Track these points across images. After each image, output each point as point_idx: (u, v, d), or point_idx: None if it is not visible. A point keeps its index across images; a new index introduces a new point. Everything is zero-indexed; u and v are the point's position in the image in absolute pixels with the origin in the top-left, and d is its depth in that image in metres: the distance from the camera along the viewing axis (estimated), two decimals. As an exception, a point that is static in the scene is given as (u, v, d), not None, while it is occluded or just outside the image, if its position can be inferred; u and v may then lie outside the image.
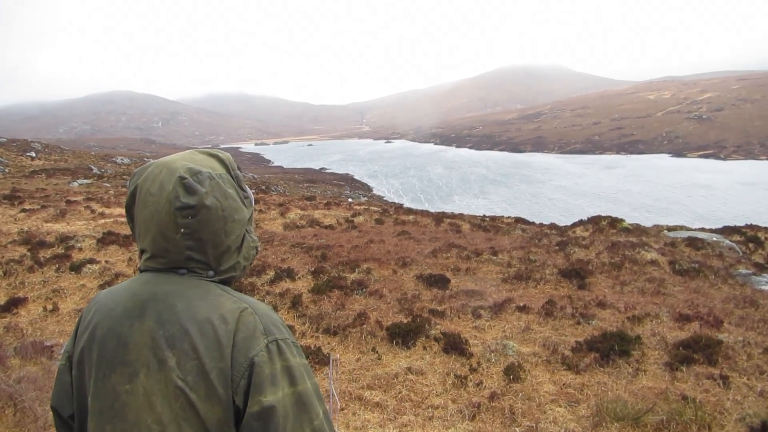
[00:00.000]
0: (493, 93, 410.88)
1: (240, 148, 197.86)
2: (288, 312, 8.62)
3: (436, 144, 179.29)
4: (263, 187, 48.08)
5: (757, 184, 66.38)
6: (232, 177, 1.51)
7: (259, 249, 1.62)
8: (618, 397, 5.46)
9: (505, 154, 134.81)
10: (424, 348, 6.97)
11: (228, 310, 1.36)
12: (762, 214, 43.25)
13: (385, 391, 5.92)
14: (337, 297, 9.04)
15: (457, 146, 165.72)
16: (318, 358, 6.64)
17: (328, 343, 7.33)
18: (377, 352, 6.91)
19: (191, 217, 1.38)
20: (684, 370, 6.12)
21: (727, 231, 16.84)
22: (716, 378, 5.84)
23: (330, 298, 8.98)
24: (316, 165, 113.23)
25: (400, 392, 5.87)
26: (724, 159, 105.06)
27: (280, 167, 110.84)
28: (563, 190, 68.51)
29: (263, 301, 9.03)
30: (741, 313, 8.40)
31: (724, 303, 8.94)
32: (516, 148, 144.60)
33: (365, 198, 55.23)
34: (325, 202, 25.89)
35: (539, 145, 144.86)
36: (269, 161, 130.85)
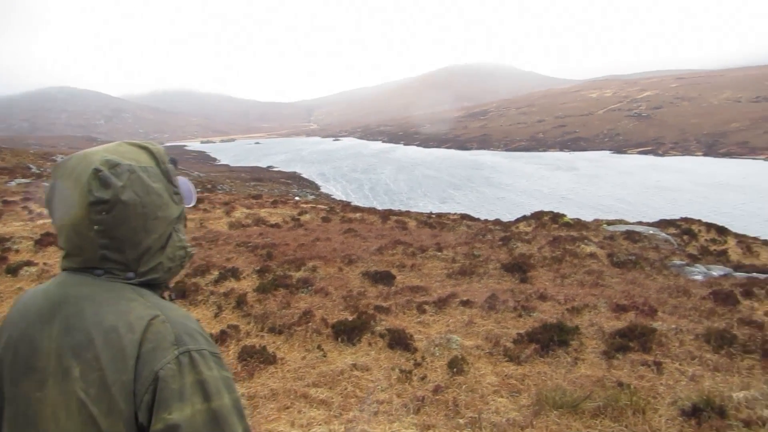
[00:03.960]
0: (441, 91, 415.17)
1: (186, 146, 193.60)
2: (233, 312, 8.49)
3: (384, 142, 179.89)
4: (209, 186, 47.18)
5: (708, 184, 69.17)
6: (162, 171, 1.41)
7: (189, 250, 1.50)
8: (557, 385, 5.61)
9: (452, 151, 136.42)
10: (370, 344, 6.99)
11: (137, 317, 1.26)
12: (705, 210, 45.29)
13: (330, 388, 5.91)
14: (282, 296, 8.97)
15: (404, 144, 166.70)
16: (263, 358, 6.57)
17: (273, 342, 7.26)
18: (323, 349, 6.89)
19: (105, 212, 1.28)
20: (620, 357, 6.34)
21: (663, 224, 17.54)
22: (650, 364, 6.06)
23: (275, 297, 8.90)
24: (263, 163, 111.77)
25: (345, 389, 5.86)
26: (662, 155, 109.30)
27: (227, 165, 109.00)
28: (510, 187, 69.89)
29: (207, 301, 8.88)
30: (674, 302, 8.76)
31: (658, 293, 9.30)
32: (463, 145, 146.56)
33: (313, 196, 54.91)
34: (271, 200, 25.61)
35: (485, 142, 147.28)
36: (215, 159, 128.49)
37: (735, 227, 21.21)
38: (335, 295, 9.13)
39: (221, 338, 7.18)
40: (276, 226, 17.45)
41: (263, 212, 20.22)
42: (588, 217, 23.02)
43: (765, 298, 8.79)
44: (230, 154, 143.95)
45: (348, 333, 7.12)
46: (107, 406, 1.19)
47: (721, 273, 10.86)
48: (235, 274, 10.22)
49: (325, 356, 6.75)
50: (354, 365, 6.37)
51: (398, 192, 69.41)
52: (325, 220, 18.95)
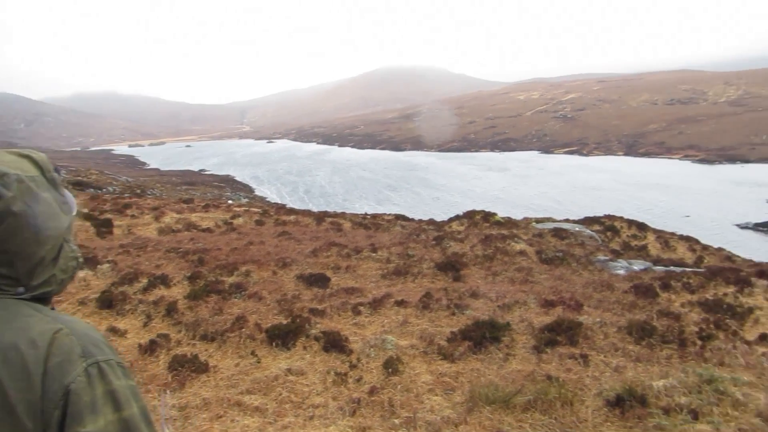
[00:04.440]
0: (374, 93, 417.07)
1: (113, 150, 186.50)
2: (163, 320, 8.21)
3: (318, 144, 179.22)
4: (138, 191, 45.55)
5: (629, 183, 72.27)
6: (48, 180, 1.35)
7: (81, 261, 1.45)
8: (490, 381, 5.73)
9: (387, 152, 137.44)
10: (305, 348, 6.93)
11: (39, 332, 1.21)
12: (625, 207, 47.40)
13: (265, 395, 5.81)
14: (214, 302, 8.75)
15: (339, 146, 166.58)
16: (195, 366, 6.39)
17: (206, 350, 7.08)
18: (256, 355, 6.77)
19: None
20: (549, 351, 6.54)
21: (588, 221, 18.26)
22: (577, 357, 6.29)
23: (207, 304, 8.68)
24: (195, 167, 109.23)
25: (280, 394, 5.78)
26: (587, 155, 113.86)
27: (156, 170, 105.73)
28: (444, 188, 71.01)
29: (135, 311, 8.56)
30: (599, 296, 9.13)
31: (584, 288, 9.66)
32: (397, 146, 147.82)
33: (246, 199, 54.00)
34: (203, 204, 24.99)
35: (418, 143, 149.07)
36: (144, 163, 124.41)
37: (654, 223, 22.36)
38: (269, 299, 9.00)
39: (151, 348, 6.93)
40: (208, 230, 17.05)
41: (194, 217, 19.70)
42: (518, 215, 23.67)
43: (681, 291, 9.29)
44: (160, 157, 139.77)
45: (282, 337, 7.03)
46: (11, 429, 1.13)
47: (642, 267, 11.41)
48: (164, 281, 9.90)
49: (259, 362, 6.63)
50: (289, 370, 6.30)
51: (334, 194, 69.30)
52: (259, 223, 18.67)
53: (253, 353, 6.81)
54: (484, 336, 6.74)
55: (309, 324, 7.43)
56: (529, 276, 10.32)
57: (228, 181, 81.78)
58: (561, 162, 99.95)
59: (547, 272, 10.79)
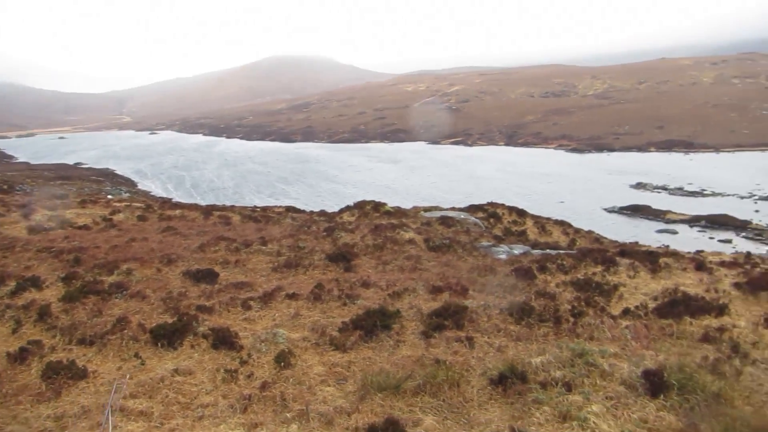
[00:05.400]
0: (262, 83, 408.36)
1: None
2: (34, 325, 7.62)
3: (205, 135, 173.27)
4: (5, 187, 41.72)
5: (510, 171, 75.75)
6: None
7: None
8: (381, 369, 5.85)
9: (277, 144, 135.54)
10: (192, 346, 6.72)
11: None
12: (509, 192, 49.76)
13: (150, 398, 5.58)
14: (93, 303, 8.26)
15: (227, 137, 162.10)
16: (72, 373, 6.00)
17: (84, 355, 6.66)
18: (140, 357, 6.48)
19: None
20: (437, 336, 6.78)
21: (472, 209, 19.04)
22: (463, 340, 6.56)
23: (85, 306, 8.17)
24: (70, 160, 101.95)
25: (167, 396, 5.57)
26: (471, 145, 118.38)
27: (26, 163, 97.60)
28: (337, 179, 71.12)
29: (2, 317, 7.87)
30: (483, 280, 9.57)
31: (469, 273, 10.09)
32: (287, 137, 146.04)
33: (128, 194, 51.13)
34: (79, 200, 23.42)
35: (309, 134, 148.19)
36: (12, 157, 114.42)
37: (533, 209, 23.73)
38: (153, 297, 8.62)
39: (21, 356, 6.42)
40: (85, 227, 15.99)
41: (70, 213, 18.42)
42: (408, 205, 24.24)
43: (556, 272, 9.95)
44: (30, 150, 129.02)
45: (168, 337, 6.76)
46: None
47: (522, 251, 12.10)
48: (36, 283, 9.19)
49: (143, 364, 6.35)
50: (176, 370, 6.08)
51: (224, 188, 67.36)
52: (142, 218, 17.77)
53: (136, 355, 6.51)
54: (375, 324, 6.86)
55: (197, 321, 7.21)
56: (418, 264, 10.61)
57: (108, 175, 77.14)
58: (449, 152, 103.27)
59: (434, 259, 11.15)
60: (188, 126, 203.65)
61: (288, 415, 5.07)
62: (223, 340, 6.67)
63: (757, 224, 51.83)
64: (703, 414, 4.44)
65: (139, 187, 67.13)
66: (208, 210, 19.92)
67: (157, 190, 64.99)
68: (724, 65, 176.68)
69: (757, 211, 56.98)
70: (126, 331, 7.04)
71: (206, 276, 9.57)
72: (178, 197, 55.04)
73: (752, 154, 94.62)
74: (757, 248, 42.52)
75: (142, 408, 5.32)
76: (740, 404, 4.92)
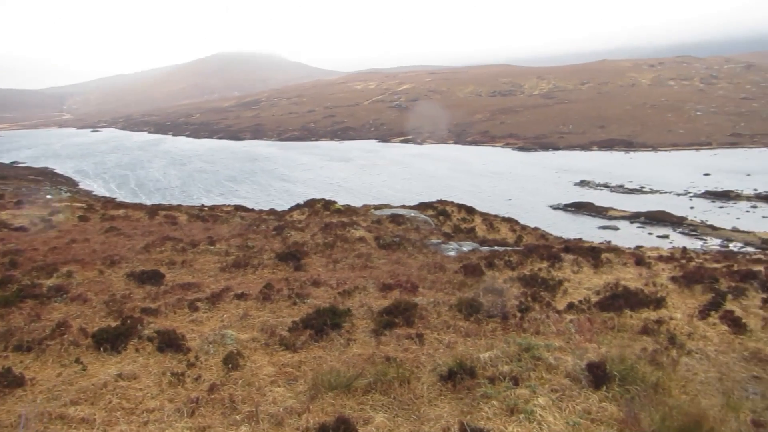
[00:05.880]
0: (210, 79, 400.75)
1: None
2: (-34, 333, 7.26)
3: (150, 133, 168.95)
4: (-70, 187, 39.59)
5: (459, 169, 76.63)
6: None
7: None
8: (332, 368, 5.82)
9: (226, 142, 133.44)
10: (137, 350, 6.53)
11: None
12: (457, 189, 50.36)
13: (92, 404, 5.40)
14: (30, 307, 7.93)
15: (173, 135, 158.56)
16: (8, 381, 5.74)
17: (21, 362, 6.39)
18: (82, 362, 6.26)
19: None
20: (387, 333, 6.80)
21: (422, 207, 19.21)
22: (413, 337, 6.61)
23: (21, 310, 7.84)
24: (5, 159, 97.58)
25: (110, 402, 5.40)
26: (421, 144, 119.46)
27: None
28: (288, 177, 70.51)
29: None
30: (432, 277, 9.66)
31: (419, 270, 10.17)
32: (235, 135, 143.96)
33: (69, 194, 49.32)
34: (15, 200, 22.46)
35: (258, 132, 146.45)
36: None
37: (481, 207, 24.12)
38: (96, 300, 8.34)
39: (-50, 365, 6.11)
40: (21, 229, 15.35)
41: (5, 214, 17.65)
42: (359, 203, 24.24)
43: (504, 268, 10.15)
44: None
45: (112, 341, 6.56)
46: None
47: (470, 248, 12.28)
48: (-34, 288, 8.76)
49: (85, 369, 6.14)
50: (119, 375, 5.90)
51: (170, 187, 65.82)
52: (83, 219, 17.19)
53: (77, 360, 6.28)
54: (325, 323, 6.84)
55: (141, 324, 7.02)
56: (369, 262, 10.63)
57: (47, 175, 74.20)
58: (399, 151, 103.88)
59: (385, 257, 11.19)
60: (132, 123, 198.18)
61: (237, 417, 5.00)
62: (170, 342, 6.52)
63: (692, 220, 54.21)
64: (643, 404, 4.61)
65: (81, 186, 64.93)
66: (154, 209, 19.42)
67: (100, 190, 63.02)
68: (661, 67, 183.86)
69: (692, 207, 59.63)
70: (66, 336, 6.80)
71: (151, 277, 9.33)
72: (122, 197, 53.52)
73: (688, 153, 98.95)
74: (692, 243, 44.49)
75: (83, 415, 5.14)
76: (677, 393, 5.13)
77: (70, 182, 68.36)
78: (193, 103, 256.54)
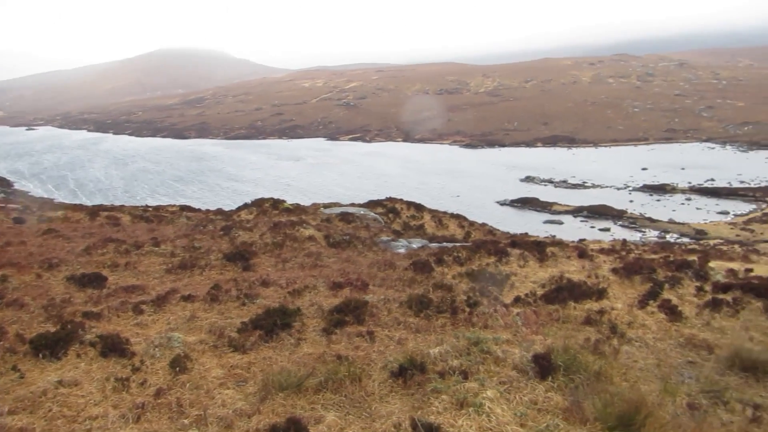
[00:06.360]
0: (153, 76, 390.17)
1: None
2: None
3: (90, 131, 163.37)
4: None
5: (409, 167, 76.98)
6: None
7: None
8: (282, 368, 5.77)
9: (170, 140, 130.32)
10: (79, 356, 6.31)
11: None
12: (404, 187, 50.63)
13: (31, 413, 5.19)
14: (-39, 315, 7.55)
15: (115, 133, 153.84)
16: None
17: (-49, 373, 6.08)
18: (19, 370, 6.00)
19: None
20: (338, 332, 6.79)
21: (372, 204, 19.25)
22: (364, 335, 6.62)
23: (-49, 318, 7.45)
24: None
25: (50, 410, 5.21)
26: (370, 141, 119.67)
27: None
28: (236, 177, 69.43)
29: None
30: (383, 274, 9.69)
31: (369, 268, 10.18)
32: (180, 134, 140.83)
33: (2, 195, 47.20)
34: (-57, 202, 21.29)
35: (204, 130, 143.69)
36: None
37: (430, 204, 24.37)
38: (33, 305, 8.01)
39: None
40: (-50, 233, 14.57)
41: (-69, 217, 16.71)
42: (308, 202, 24.08)
43: (453, 264, 10.28)
44: None
45: (51, 347, 6.31)
46: None
47: (420, 245, 12.38)
48: None
49: (23, 377, 5.89)
50: (60, 382, 5.69)
51: (113, 188, 63.88)
52: (18, 221, 16.47)
53: (14, 368, 6.02)
54: (275, 323, 6.77)
55: (83, 329, 6.78)
56: (318, 260, 10.59)
57: (-24, 176, 70.66)
58: (348, 149, 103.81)
59: (335, 255, 11.17)
60: (71, 121, 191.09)
61: (185, 421, 4.90)
62: (113, 347, 6.32)
63: (631, 213, 56.30)
64: (586, 392, 4.77)
65: (16, 187, 62.18)
66: (95, 211, 18.77)
67: (37, 191, 60.57)
68: (600, 65, 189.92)
69: (631, 201, 61.89)
70: (2, 342, 6.51)
71: (93, 280, 9.03)
72: (60, 198, 51.63)
73: (627, 149, 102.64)
74: (632, 235, 46.20)
75: (21, 424, 4.94)
76: (618, 381, 5.33)
77: (3, 183, 65.33)
78: (136, 100, 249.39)
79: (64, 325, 6.97)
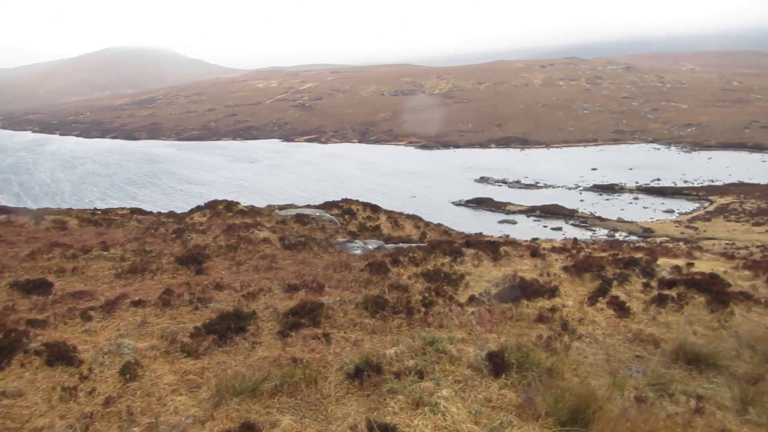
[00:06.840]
0: (101, 76, 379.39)
1: None
2: None
3: (35, 132, 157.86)
4: None
5: (365, 168, 76.93)
6: None
7: None
8: (237, 372, 5.69)
9: (120, 142, 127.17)
10: (23, 365, 6.08)
11: None
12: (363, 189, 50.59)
13: (-29, 427, 4.98)
14: None
15: (61, 134, 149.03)
16: None
17: None
18: (-42, 382, 5.75)
19: None
20: (294, 335, 6.74)
21: (327, 206, 19.19)
22: (320, 337, 6.59)
23: None
24: None
25: (-8, 423, 5.01)
26: (326, 143, 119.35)
27: None
28: (190, 179, 68.14)
29: None
30: (338, 276, 9.67)
31: (325, 270, 10.14)
32: (130, 135, 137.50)
33: (-61, 199, 45.09)
34: None
35: (155, 132, 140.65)
36: None
37: (387, 204, 24.45)
38: (-26, 315, 7.68)
39: None
40: None
41: None
42: (263, 204, 23.82)
43: (408, 264, 10.34)
44: None
45: (-8, 357, 6.07)
46: None
47: (376, 246, 12.41)
48: None
49: (-38, 390, 5.64)
50: (3, 393, 5.48)
51: (60, 192, 61.84)
52: (-43, 227, 15.74)
53: (-47, 381, 5.76)
54: (229, 327, 6.68)
55: (27, 337, 6.53)
56: (273, 263, 10.49)
57: None
58: (306, 150, 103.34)
59: (290, 258, 11.09)
60: (14, 122, 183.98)
61: (136, 429, 4.79)
62: (60, 355, 6.12)
63: (582, 212, 57.80)
64: (539, 388, 4.87)
65: (-47, 191, 59.50)
66: (39, 214, 18.12)
67: (-24, 195, 58.06)
68: (551, 68, 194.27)
69: (582, 200, 63.51)
70: (-61, 354, 6.21)
71: (38, 286, 8.71)
72: (3, 202, 49.61)
73: (577, 149, 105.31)
74: (582, 234, 47.42)
75: (-39, 440, 4.75)
76: (569, 376, 5.46)
77: (-59, 187, 62.49)
78: (83, 100, 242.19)
79: (7, 333, 6.70)
